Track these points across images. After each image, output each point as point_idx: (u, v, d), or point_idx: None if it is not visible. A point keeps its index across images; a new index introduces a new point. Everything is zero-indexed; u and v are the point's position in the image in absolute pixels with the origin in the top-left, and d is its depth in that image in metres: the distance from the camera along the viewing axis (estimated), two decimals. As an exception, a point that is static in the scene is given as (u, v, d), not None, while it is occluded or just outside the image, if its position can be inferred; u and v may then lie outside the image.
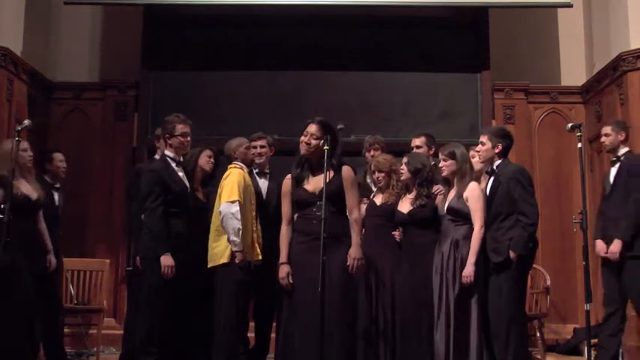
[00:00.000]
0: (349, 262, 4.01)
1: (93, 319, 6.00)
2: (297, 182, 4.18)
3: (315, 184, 4.12)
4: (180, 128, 4.52)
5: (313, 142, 4.12)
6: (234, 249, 4.35)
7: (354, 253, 4.03)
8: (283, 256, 4.14)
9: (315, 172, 4.16)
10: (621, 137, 4.85)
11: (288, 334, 4.05)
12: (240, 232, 4.34)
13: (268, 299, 4.82)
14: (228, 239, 4.35)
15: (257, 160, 4.97)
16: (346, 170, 4.17)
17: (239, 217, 4.35)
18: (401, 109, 7.10)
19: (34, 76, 6.72)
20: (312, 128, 4.14)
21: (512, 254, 4.24)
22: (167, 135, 4.55)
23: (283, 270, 4.10)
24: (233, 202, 4.37)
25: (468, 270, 4.25)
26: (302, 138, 4.18)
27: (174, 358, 4.44)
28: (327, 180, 3.99)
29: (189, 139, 4.56)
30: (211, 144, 5.01)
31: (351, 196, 4.15)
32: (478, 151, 4.59)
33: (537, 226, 4.36)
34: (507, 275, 4.26)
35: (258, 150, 4.98)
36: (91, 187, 6.82)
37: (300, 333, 3.95)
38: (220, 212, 4.38)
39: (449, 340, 4.24)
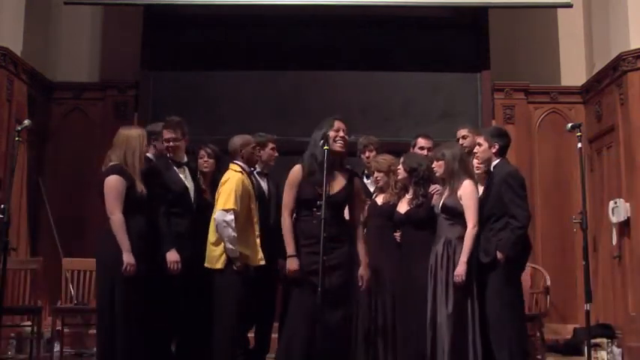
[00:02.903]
0: (360, 282, 4.07)
1: (93, 319, 5.98)
2: (308, 177, 4.01)
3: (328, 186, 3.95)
4: (164, 133, 4.54)
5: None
6: (231, 256, 4.26)
7: (364, 272, 4.09)
8: (291, 249, 3.99)
9: (329, 172, 3.94)
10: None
11: (291, 335, 4.00)
12: (236, 239, 4.24)
13: (268, 299, 4.81)
14: (224, 247, 4.27)
15: (271, 162, 4.92)
16: (358, 182, 4.18)
17: (233, 225, 4.22)
18: (401, 109, 7.11)
19: (34, 76, 6.72)
20: (343, 124, 4.06)
21: (499, 255, 4.24)
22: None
23: (293, 263, 3.95)
24: (227, 210, 4.24)
25: (460, 269, 4.23)
26: (336, 134, 4.01)
27: (174, 358, 4.44)
28: (342, 186, 4.00)
29: (172, 144, 4.51)
30: (212, 144, 4.95)
31: (358, 210, 4.19)
32: (476, 153, 4.58)
33: (527, 229, 4.34)
34: (495, 276, 4.26)
35: (276, 152, 4.93)
36: (91, 187, 6.78)
37: (303, 334, 3.92)
38: (215, 219, 4.29)
39: (438, 342, 4.23)
